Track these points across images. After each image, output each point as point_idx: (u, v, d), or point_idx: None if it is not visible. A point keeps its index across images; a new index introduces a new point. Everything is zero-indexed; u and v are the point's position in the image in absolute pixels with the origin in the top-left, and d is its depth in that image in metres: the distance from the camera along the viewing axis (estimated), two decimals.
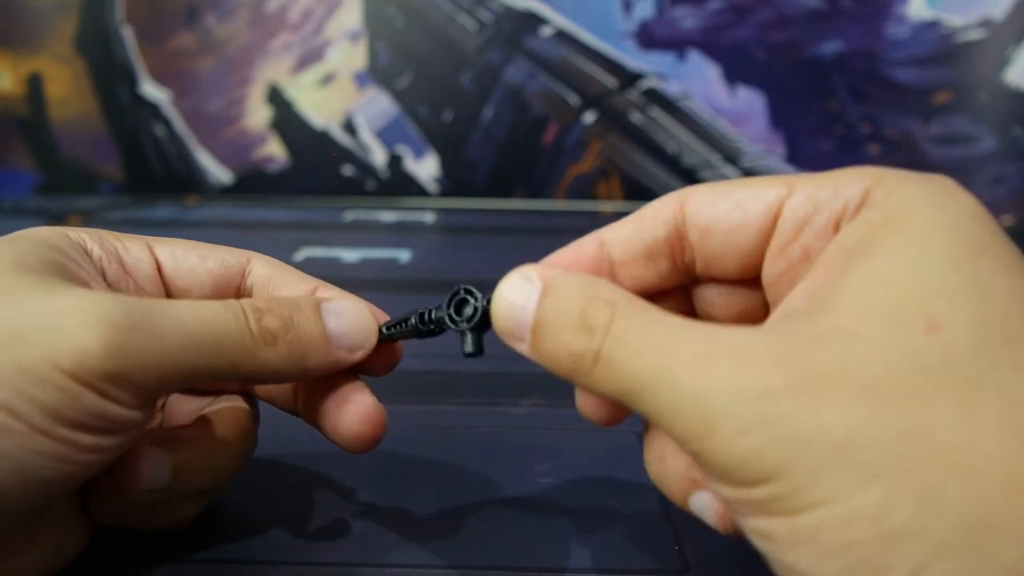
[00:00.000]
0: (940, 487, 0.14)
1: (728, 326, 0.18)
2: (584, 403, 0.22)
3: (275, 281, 0.25)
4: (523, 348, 0.20)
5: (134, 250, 0.24)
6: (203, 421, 0.24)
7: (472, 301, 0.22)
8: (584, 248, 0.22)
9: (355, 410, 0.24)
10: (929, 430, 0.15)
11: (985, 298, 0.16)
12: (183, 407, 0.26)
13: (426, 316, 0.23)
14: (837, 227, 0.19)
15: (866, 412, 0.15)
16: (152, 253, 0.24)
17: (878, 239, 0.17)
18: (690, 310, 0.22)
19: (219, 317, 0.21)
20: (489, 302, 0.21)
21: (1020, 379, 0.15)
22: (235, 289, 0.25)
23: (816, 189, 0.19)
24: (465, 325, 0.22)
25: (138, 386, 0.19)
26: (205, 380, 0.21)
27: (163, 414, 0.26)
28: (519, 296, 0.19)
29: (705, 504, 0.20)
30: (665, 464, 0.21)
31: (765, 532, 0.16)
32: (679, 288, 0.22)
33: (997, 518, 0.14)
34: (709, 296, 0.22)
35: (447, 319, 0.22)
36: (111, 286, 0.23)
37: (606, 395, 0.18)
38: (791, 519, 0.15)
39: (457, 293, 0.22)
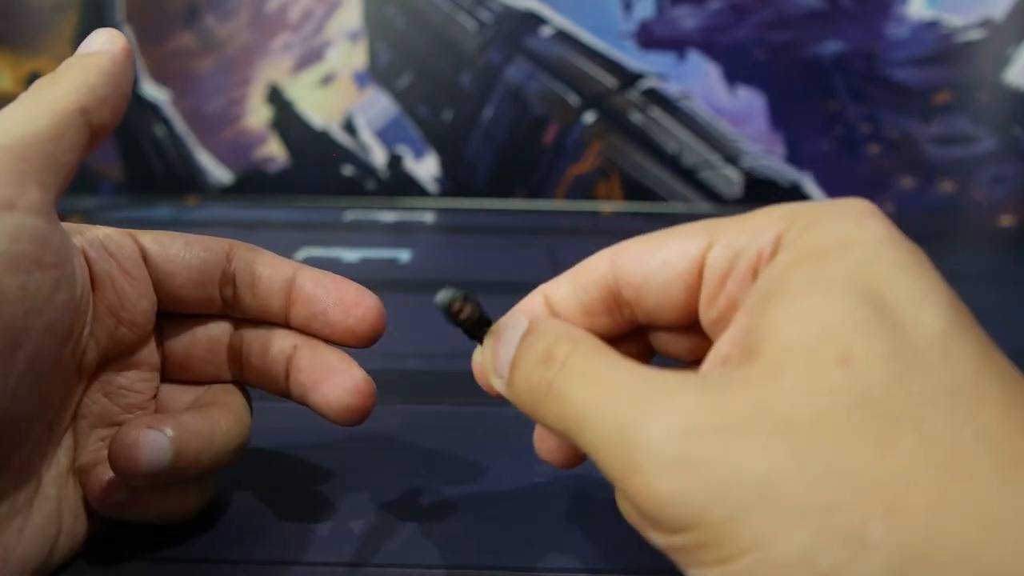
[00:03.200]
0: (864, 526, 0.14)
1: (669, 370, 0.18)
2: (540, 443, 0.23)
3: (256, 264, 0.26)
4: (500, 385, 0.21)
5: (116, 237, 0.24)
6: (198, 403, 0.25)
7: (465, 307, 0.22)
8: (533, 304, 0.23)
9: (344, 383, 0.24)
10: (848, 468, 0.15)
11: (894, 333, 0.16)
12: (176, 397, 0.26)
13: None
14: (755, 274, 0.19)
15: (786, 453, 0.15)
16: (135, 240, 0.25)
17: (790, 280, 0.18)
18: (650, 351, 0.23)
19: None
20: (466, 298, 0.22)
21: (935, 411, 0.15)
22: (220, 273, 0.26)
23: (734, 237, 0.20)
24: (477, 330, 0.22)
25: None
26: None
27: (156, 403, 0.26)
28: (508, 338, 0.21)
29: None
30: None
31: None
32: (636, 334, 0.23)
33: (921, 557, 0.14)
34: (663, 340, 0.23)
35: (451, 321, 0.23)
36: (93, 266, 0.23)
37: (556, 430, 0.19)
38: (723, 568, 0.15)
39: (450, 305, 0.22)
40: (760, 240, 0.19)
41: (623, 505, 0.21)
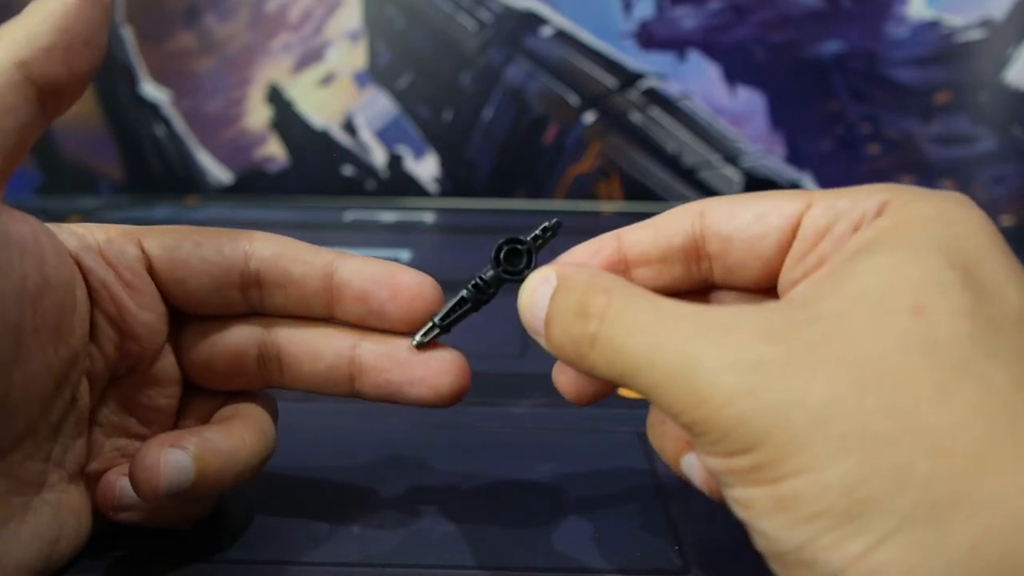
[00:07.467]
0: (910, 463, 0.15)
1: (721, 306, 0.19)
2: (558, 376, 0.23)
3: (284, 261, 0.24)
4: (543, 342, 0.21)
5: (118, 242, 0.23)
6: (223, 421, 0.24)
7: (521, 248, 0.24)
8: (603, 246, 0.23)
9: (450, 368, 0.24)
10: (905, 408, 0.15)
11: (976, 294, 0.16)
12: (201, 407, 0.26)
13: (480, 283, 0.24)
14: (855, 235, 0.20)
15: (846, 386, 0.16)
16: (140, 246, 0.24)
17: (884, 239, 0.18)
18: None
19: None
20: (535, 239, 0.24)
21: (1000, 372, 0.16)
22: (238, 276, 0.24)
23: (835, 200, 0.21)
24: (525, 272, 0.23)
25: None
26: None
27: (179, 416, 0.26)
28: (538, 295, 0.21)
29: (694, 465, 0.21)
30: (664, 427, 0.22)
31: (747, 501, 0.17)
32: (698, 292, 0.23)
33: (959, 497, 0.15)
34: (727, 301, 0.23)
35: (504, 275, 0.24)
36: (88, 275, 0.22)
37: (606, 377, 0.19)
38: (772, 488, 0.16)
39: (501, 248, 0.24)
40: (864, 204, 0.20)
41: (664, 434, 0.22)
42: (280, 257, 0.24)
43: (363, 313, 0.24)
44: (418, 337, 0.24)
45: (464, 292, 0.24)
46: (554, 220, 0.24)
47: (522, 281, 0.22)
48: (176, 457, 0.21)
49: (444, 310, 0.24)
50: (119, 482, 0.22)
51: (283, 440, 0.27)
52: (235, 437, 0.23)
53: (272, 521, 0.26)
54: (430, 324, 0.24)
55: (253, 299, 0.24)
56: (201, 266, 0.24)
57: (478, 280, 0.24)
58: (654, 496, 0.28)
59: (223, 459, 0.22)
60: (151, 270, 0.24)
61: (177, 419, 0.25)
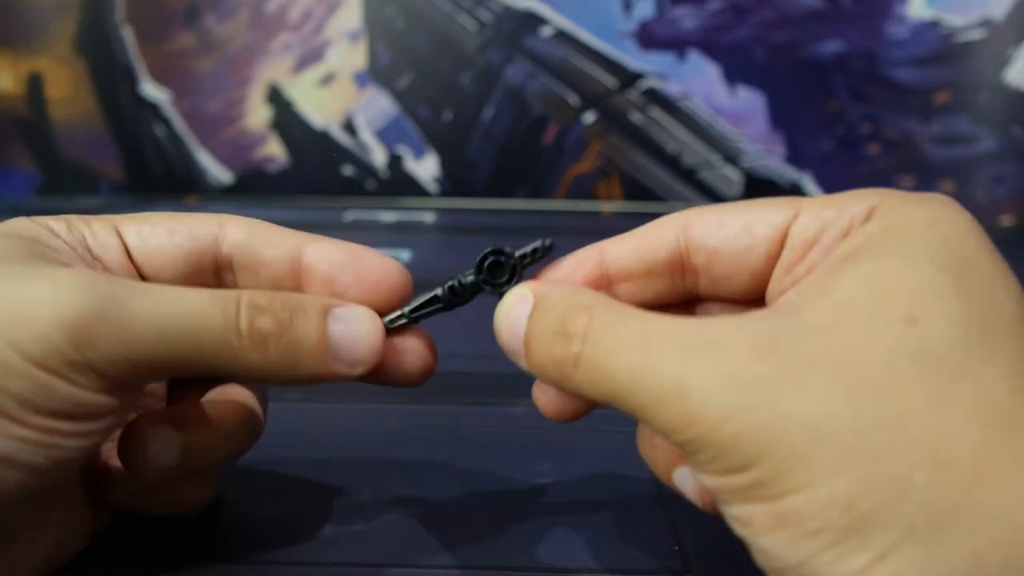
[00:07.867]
0: (909, 475, 0.15)
1: (708, 318, 0.18)
2: (538, 396, 0.23)
3: (254, 243, 0.24)
4: (522, 363, 0.21)
5: (101, 234, 0.23)
6: (211, 398, 0.24)
7: (505, 260, 0.23)
8: (585, 261, 0.23)
9: (420, 348, 0.24)
10: (901, 418, 0.15)
11: (968, 298, 0.16)
12: (189, 392, 0.26)
13: (457, 286, 0.24)
14: None
15: (841, 399, 0.16)
16: (119, 236, 0.24)
17: (872, 246, 0.18)
18: None
19: (202, 311, 0.20)
20: (523, 256, 0.23)
21: (994, 372, 0.15)
22: (211, 261, 0.24)
23: (823, 209, 0.20)
24: (505, 287, 0.22)
25: (107, 376, 0.18)
26: (184, 373, 0.21)
27: (167, 392, 0.26)
28: (515, 315, 0.20)
29: (687, 479, 0.21)
30: (655, 440, 0.22)
31: (746, 519, 0.17)
32: (682, 304, 0.23)
33: (960, 507, 0.14)
34: (713, 313, 0.23)
35: (484, 284, 0.23)
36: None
37: (593, 398, 0.19)
38: (771, 504, 0.16)
39: (486, 258, 0.23)
40: (851, 211, 0.19)
41: (656, 447, 0.22)
42: (251, 240, 0.24)
43: (329, 296, 0.24)
44: (383, 321, 0.24)
45: (439, 290, 0.24)
46: (548, 241, 0.23)
47: (501, 295, 0.22)
48: (163, 432, 0.22)
49: (416, 303, 0.24)
50: (116, 469, 0.23)
51: (283, 440, 0.27)
52: (221, 413, 0.23)
53: (271, 520, 0.26)
54: (398, 313, 0.24)
55: (227, 282, 0.25)
56: (176, 254, 0.24)
57: (455, 283, 0.23)
58: (654, 496, 0.28)
59: (209, 433, 0.23)
60: (130, 258, 0.24)
61: (170, 399, 0.26)
